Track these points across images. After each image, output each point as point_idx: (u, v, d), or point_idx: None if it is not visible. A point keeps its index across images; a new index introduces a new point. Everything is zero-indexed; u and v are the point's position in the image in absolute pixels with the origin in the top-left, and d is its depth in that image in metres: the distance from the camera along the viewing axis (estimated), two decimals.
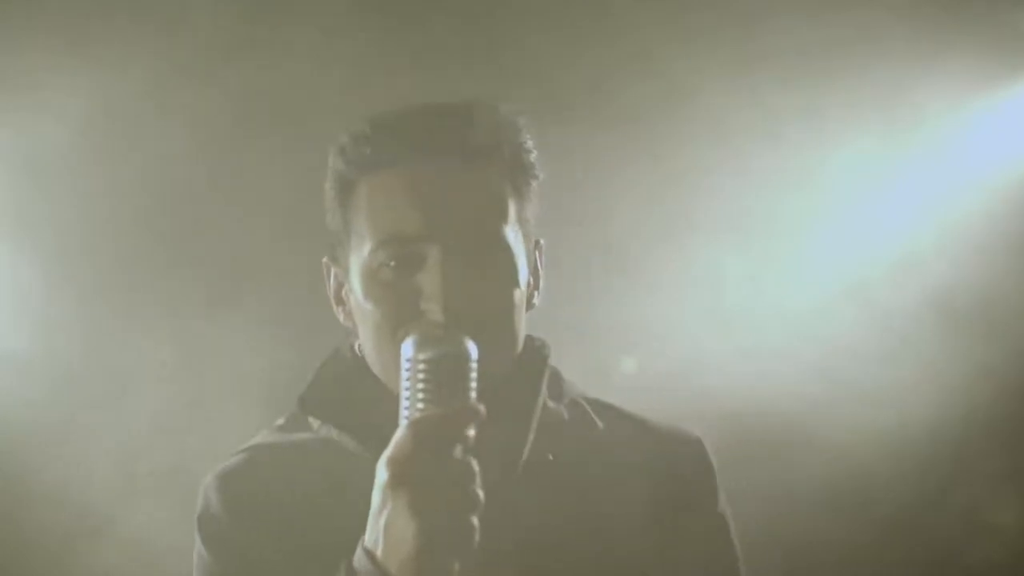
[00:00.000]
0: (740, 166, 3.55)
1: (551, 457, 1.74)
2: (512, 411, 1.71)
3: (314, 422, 1.77)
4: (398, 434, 1.47)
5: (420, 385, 1.49)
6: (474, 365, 1.51)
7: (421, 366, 1.50)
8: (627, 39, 3.53)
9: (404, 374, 1.51)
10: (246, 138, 3.23)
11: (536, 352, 1.81)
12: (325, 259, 1.80)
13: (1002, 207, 3.61)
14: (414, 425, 1.46)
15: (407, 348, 1.52)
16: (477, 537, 1.45)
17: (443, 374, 1.50)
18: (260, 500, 1.71)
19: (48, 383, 3.39)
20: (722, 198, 3.56)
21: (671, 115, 3.51)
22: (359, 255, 1.71)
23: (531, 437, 1.74)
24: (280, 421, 1.82)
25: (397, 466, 1.45)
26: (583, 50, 3.54)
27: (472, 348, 1.52)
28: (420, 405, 1.49)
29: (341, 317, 1.79)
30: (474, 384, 1.51)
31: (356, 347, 1.79)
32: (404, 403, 1.50)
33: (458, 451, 1.46)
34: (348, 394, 1.76)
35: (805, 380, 3.55)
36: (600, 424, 1.83)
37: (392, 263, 1.68)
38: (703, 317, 3.57)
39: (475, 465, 1.46)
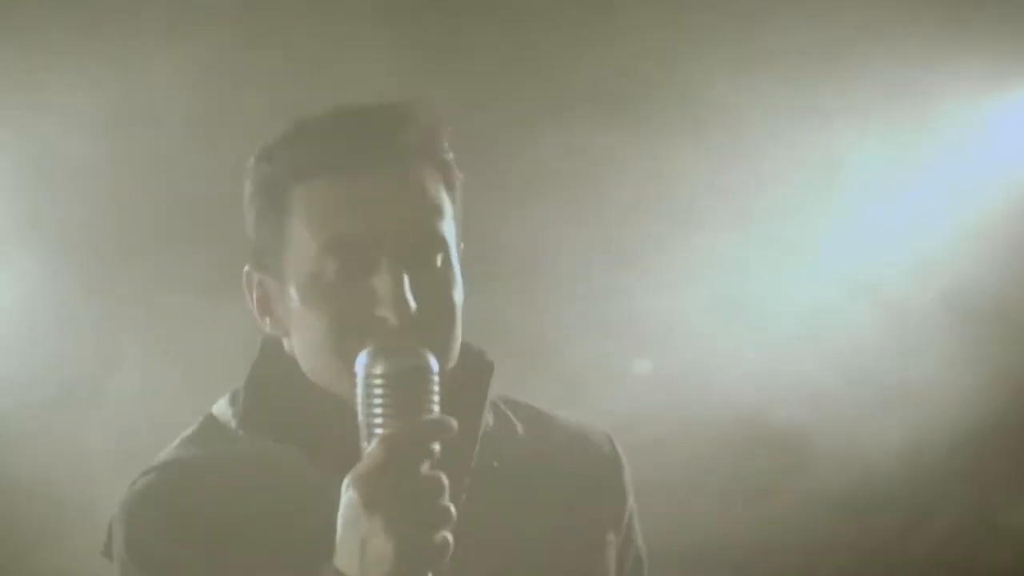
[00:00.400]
0: (751, 166, 3.55)
1: (496, 464, 1.73)
2: (458, 419, 1.64)
3: (238, 431, 1.71)
4: (369, 451, 1.45)
5: (379, 400, 1.47)
6: (436, 378, 1.49)
7: (379, 380, 1.48)
8: (630, 38, 3.53)
9: (361, 389, 1.49)
10: (248, 134, 3.22)
11: (478, 358, 1.77)
12: (247, 268, 1.75)
13: (1018, 207, 3.60)
14: (386, 441, 1.44)
15: (362, 362, 1.50)
16: (451, 550, 1.44)
17: (405, 388, 1.48)
18: (200, 519, 1.64)
19: (49, 383, 3.40)
20: (733, 198, 3.56)
21: (683, 113, 3.51)
22: (299, 263, 1.67)
23: (479, 446, 1.72)
24: (187, 432, 1.76)
25: (369, 484, 1.44)
26: (584, 49, 3.54)
27: (433, 361, 1.50)
28: (379, 420, 1.47)
29: (267, 327, 1.74)
30: (436, 398, 1.49)
31: (286, 347, 1.74)
32: (362, 419, 1.48)
33: (425, 465, 1.45)
34: (288, 404, 1.71)
35: (817, 381, 3.55)
36: (519, 427, 1.81)
37: (339, 269, 1.64)
38: (711, 318, 3.57)
39: (444, 479, 1.45)
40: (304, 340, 1.69)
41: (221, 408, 1.76)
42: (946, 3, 3.51)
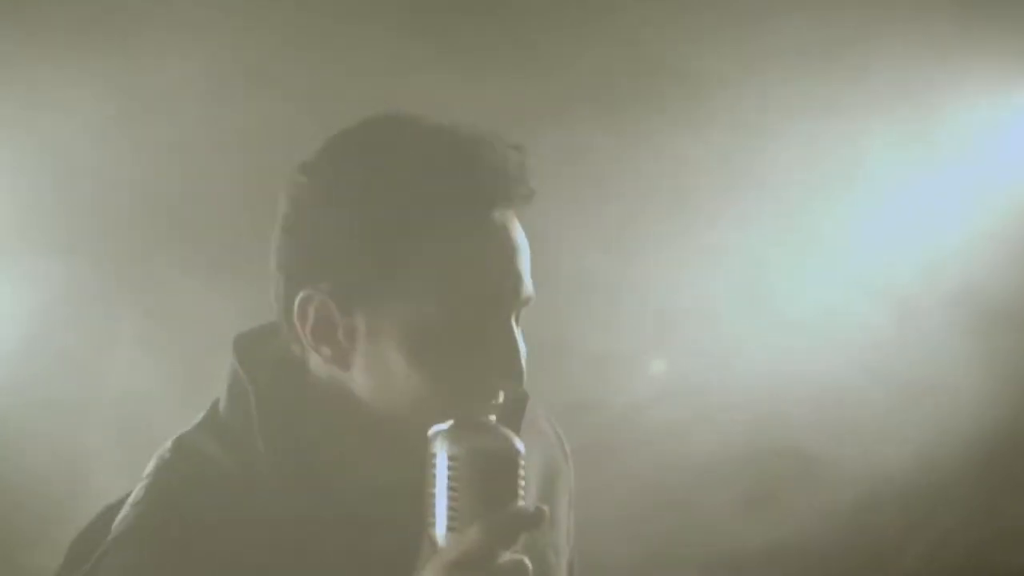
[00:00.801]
0: (757, 166, 3.54)
1: None
2: None
3: (204, 465, 1.52)
4: (465, 539, 1.38)
5: (458, 483, 1.41)
6: (523, 462, 1.44)
7: (459, 463, 1.41)
8: (632, 38, 3.53)
9: (443, 469, 1.41)
10: (255, 134, 3.22)
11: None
12: (306, 293, 1.50)
13: None
14: (483, 531, 1.37)
15: (442, 441, 1.42)
16: None
17: (495, 473, 1.42)
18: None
19: (49, 383, 3.40)
20: (740, 199, 3.55)
21: (687, 113, 3.50)
22: (413, 309, 1.47)
23: None
24: (147, 480, 1.56)
25: (464, 574, 1.38)
26: (584, 49, 3.54)
27: (520, 443, 1.44)
28: (452, 504, 1.41)
29: (324, 357, 1.52)
30: (524, 483, 1.43)
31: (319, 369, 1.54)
32: (443, 498, 1.42)
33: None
34: (340, 456, 1.53)
35: (828, 381, 3.54)
36: None
37: (462, 321, 1.48)
38: (715, 319, 3.56)
39: (527, 562, 1.40)
40: (390, 386, 1.50)
41: (206, 444, 1.56)
42: (958, 3, 3.50)
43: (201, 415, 1.61)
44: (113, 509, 1.63)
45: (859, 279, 3.59)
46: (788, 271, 3.58)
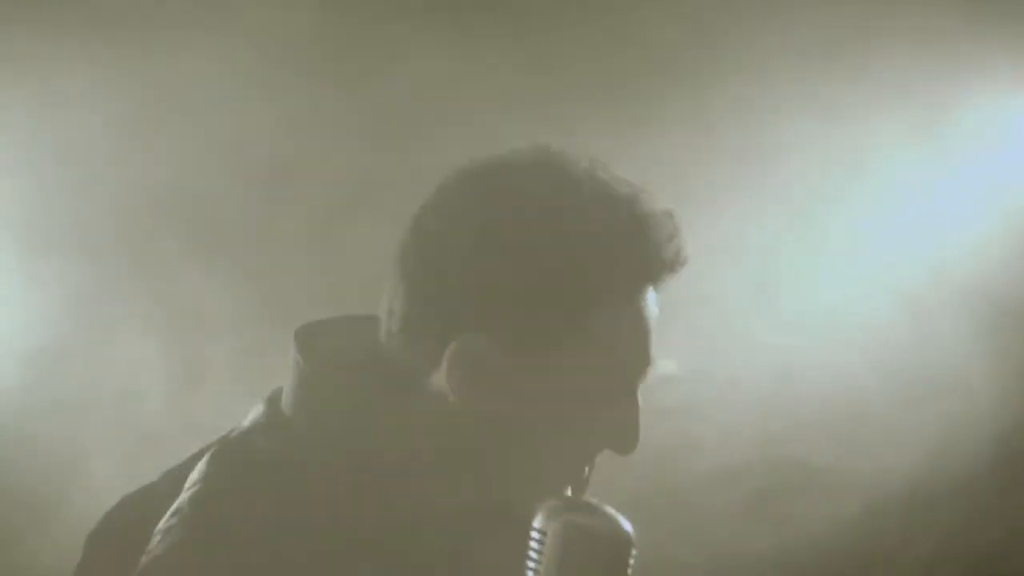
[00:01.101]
0: (768, 164, 3.53)
1: None
2: None
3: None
4: None
5: (568, 566, 1.38)
6: (635, 550, 1.43)
7: (573, 545, 1.39)
8: (636, 36, 3.52)
9: (549, 549, 1.38)
10: (267, 132, 3.22)
11: None
12: (466, 342, 1.44)
13: None
14: None
15: (553, 518, 1.39)
16: None
17: (603, 559, 1.40)
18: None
19: (49, 383, 3.39)
20: (755, 196, 3.54)
21: (693, 113, 3.50)
22: (568, 372, 1.46)
23: None
24: (199, 486, 1.48)
25: None
26: (584, 49, 3.53)
27: (629, 527, 1.43)
28: None
29: (465, 402, 1.45)
30: (631, 572, 1.42)
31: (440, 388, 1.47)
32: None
33: None
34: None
35: (836, 382, 3.54)
36: None
37: (609, 393, 1.50)
38: (721, 318, 3.56)
39: None
40: (518, 437, 1.48)
41: (267, 444, 1.48)
42: (964, 1, 3.49)
43: (257, 413, 1.53)
44: (128, 502, 1.60)
45: (868, 278, 3.58)
46: (795, 270, 3.58)
